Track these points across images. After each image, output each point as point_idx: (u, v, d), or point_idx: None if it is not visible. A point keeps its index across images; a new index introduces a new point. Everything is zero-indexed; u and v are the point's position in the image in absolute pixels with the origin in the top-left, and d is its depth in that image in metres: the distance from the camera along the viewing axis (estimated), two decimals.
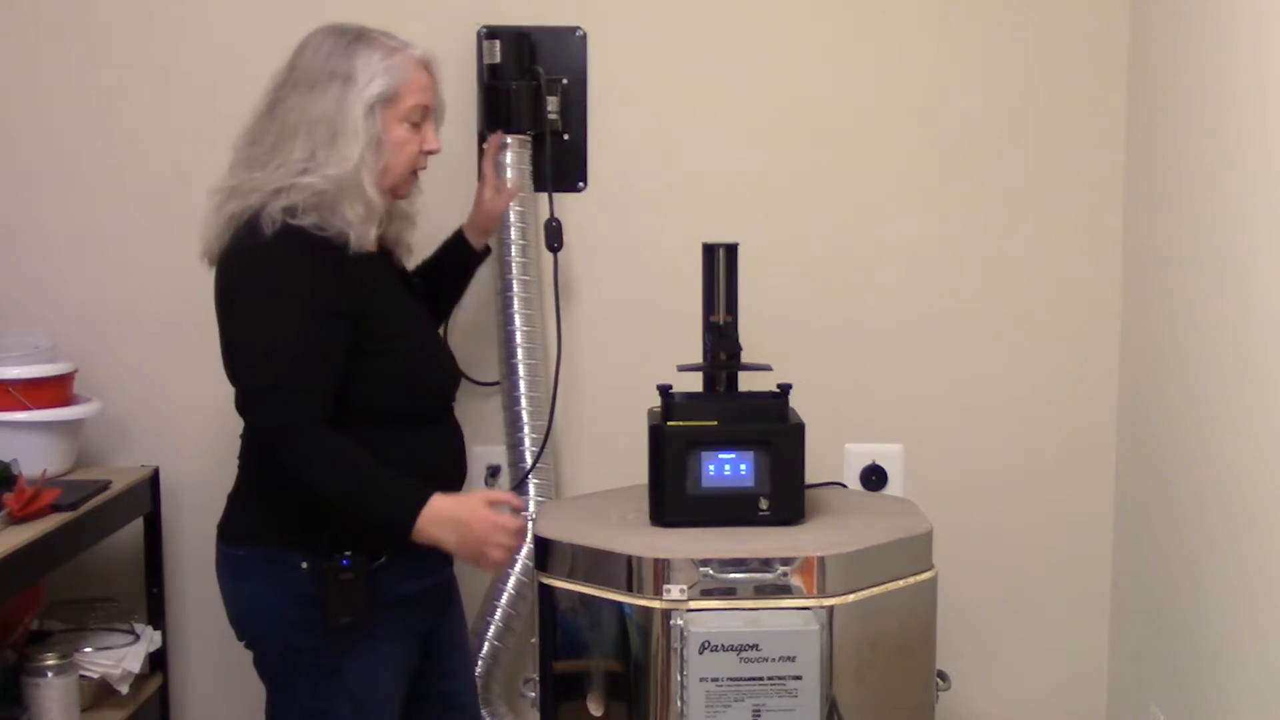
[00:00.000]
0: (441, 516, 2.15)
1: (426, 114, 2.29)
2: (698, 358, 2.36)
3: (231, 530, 2.33)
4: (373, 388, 2.23)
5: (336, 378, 2.18)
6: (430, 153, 2.31)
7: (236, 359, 2.21)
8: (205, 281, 2.88)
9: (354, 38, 2.25)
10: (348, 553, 2.18)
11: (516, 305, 2.79)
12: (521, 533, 2.25)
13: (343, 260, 2.19)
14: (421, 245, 2.53)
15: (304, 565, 2.20)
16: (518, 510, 2.30)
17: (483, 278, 2.70)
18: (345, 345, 2.19)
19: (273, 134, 2.23)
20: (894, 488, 2.82)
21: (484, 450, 2.86)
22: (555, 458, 2.89)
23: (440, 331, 2.61)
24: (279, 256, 2.17)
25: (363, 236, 2.22)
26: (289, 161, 2.20)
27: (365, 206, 2.21)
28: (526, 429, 2.79)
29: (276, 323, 2.16)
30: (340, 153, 2.19)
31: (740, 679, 2.02)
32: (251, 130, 2.27)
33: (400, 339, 2.28)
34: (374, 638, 2.23)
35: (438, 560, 2.29)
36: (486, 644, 2.77)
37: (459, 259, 2.61)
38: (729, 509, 2.22)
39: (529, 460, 2.78)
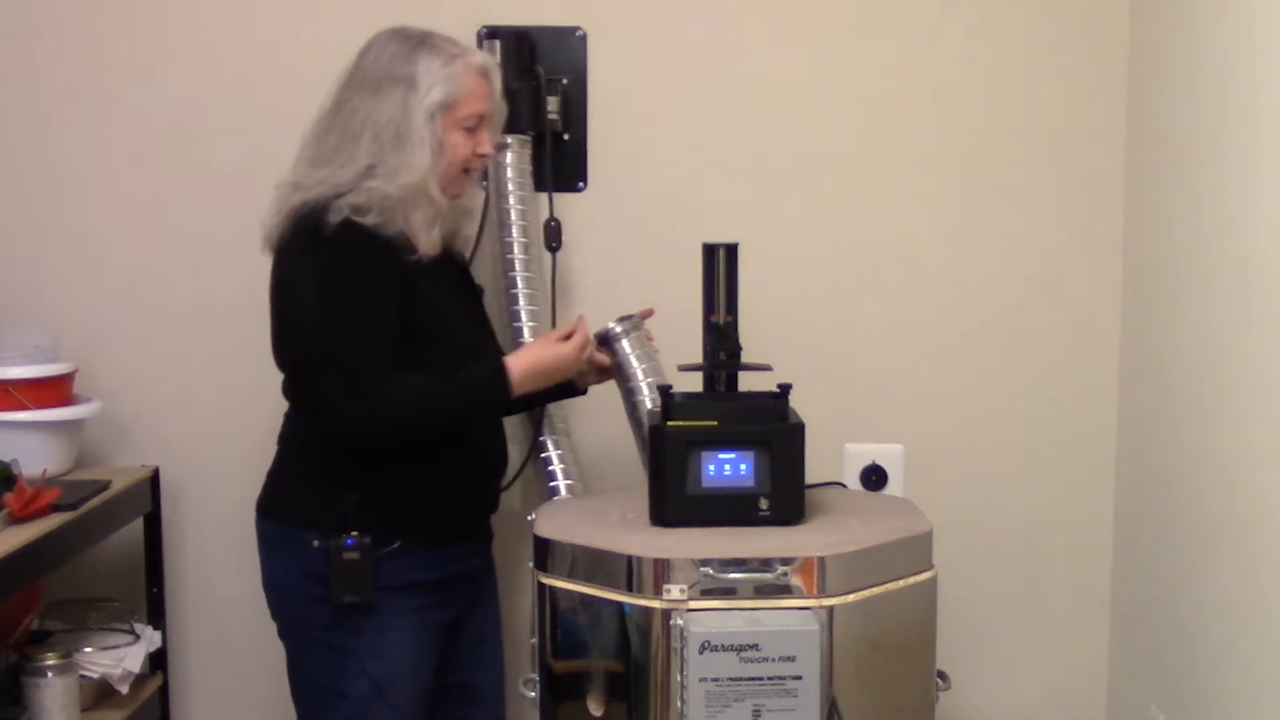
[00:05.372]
0: (527, 376, 2.34)
1: (482, 120, 2.35)
2: (698, 358, 2.36)
3: (263, 505, 2.42)
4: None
5: (391, 355, 2.24)
6: (483, 156, 2.37)
7: (290, 339, 2.30)
8: (205, 282, 2.91)
9: (417, 43, 2.31)
10: (354, 534, 2.26)
11: (522, 303, 2.77)
12: (586, 342, 2.42)
13: (397, 257, 2.26)
14: None
15: (315, 543, 2.29)
16: (572, 333, 2.42)
17: (485, 279, 2.69)
18: (395, 330, 2.25)
19: (336, 134, 2.30)
20: (894, 488, 2.81)
21: None
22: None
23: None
24: (339, 246, 2.24)
25: (428, 241, 2.29)
26: (354, 162, 2.27)
27: (432, 212, 2.29)
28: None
29: (332, 307, 2.23)
30: (409, 160, 2.26)
31: (740, 679, 2.02)
32: (316, 127, 2.34)
33: (443, 335, 2.34)
34: (383, 623, 2.31)
35: (460, 552, 2.36)
36: None
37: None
38: (729, 509, 2.22)
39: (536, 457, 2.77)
